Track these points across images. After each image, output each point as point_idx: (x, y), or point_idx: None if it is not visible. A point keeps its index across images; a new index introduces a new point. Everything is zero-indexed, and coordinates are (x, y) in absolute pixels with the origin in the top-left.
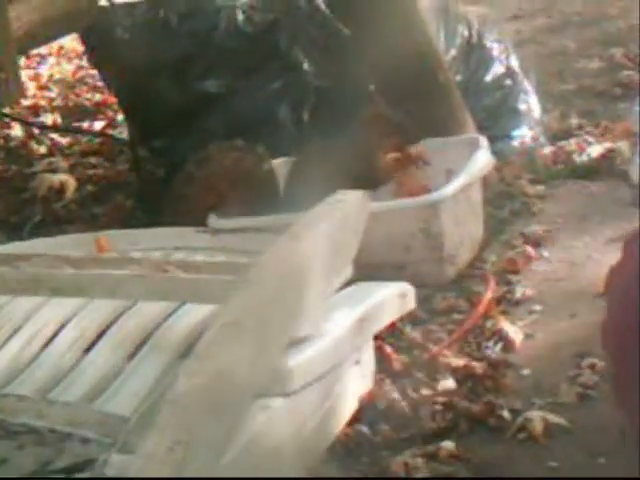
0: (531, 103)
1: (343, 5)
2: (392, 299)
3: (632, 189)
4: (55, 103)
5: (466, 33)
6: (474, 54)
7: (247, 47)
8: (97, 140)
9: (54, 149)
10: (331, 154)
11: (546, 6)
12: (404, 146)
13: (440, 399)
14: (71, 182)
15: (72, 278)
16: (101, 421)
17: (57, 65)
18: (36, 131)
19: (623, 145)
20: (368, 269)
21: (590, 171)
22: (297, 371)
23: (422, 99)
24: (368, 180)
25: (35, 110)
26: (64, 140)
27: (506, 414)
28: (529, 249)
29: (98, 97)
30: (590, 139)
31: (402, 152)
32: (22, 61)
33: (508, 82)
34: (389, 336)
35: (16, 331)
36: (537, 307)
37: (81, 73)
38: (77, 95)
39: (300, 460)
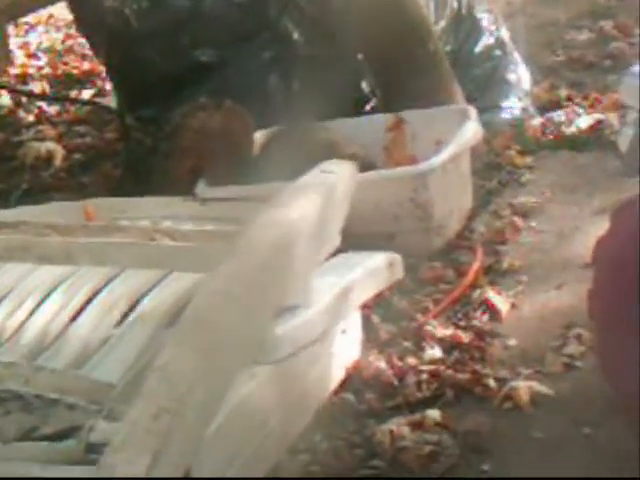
0: (520, 74)
1: None
2: (380, 268)
3: (620, 160)
4: (44, 71)
5: (456, 4)
6: (464, 25)
7: (237, 17)
8: (85, 109)
9: (42, 117)
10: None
11: None
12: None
13: (426, 368)
14: (59, 150)
15: (60, 246)
16: (88, 388)
17: (46, 33)
18: (24, 99)
19: (612, 116)
20: (356, 239)
21: (579, 142)
22: (285, 339)
23: (411, 69)
24: None
25: (23, 78)
26: (52, 108)
27: (492, 383)
28: (517, 220)
29: (87, 66)
30: (579, 110)
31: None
32: (10, 29)
33: (498, 53)
34: (376, 305)
35: (3, 298)
36: (524, 277)
37: (70, 42)
38: (66, 64)
39: (286, 428)
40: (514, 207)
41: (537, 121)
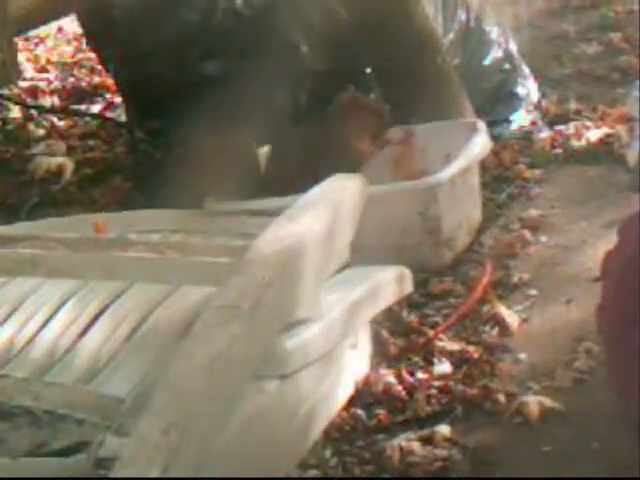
0: (529, 87)
1: None
2: (389, 283)
3: (629, 174)
4: (53, 85)
5: (464, 17)
6: (472, 38)
7: (245, 29)
8: (95, 122)
9: (52, 131)
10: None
11: None
12: (380, 130)
13: (436, 383)
14: (69, 164)
15: (69, 260)
16: (97, 403)
17: (56, 47)
18: (34, 113)
19: (621, 130)
20: (365, 252)
21: (588, 156)
22: (294, 353)
23: (420, 83)
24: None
25: (33, 92)
26: (62, 122)
27: (502, 398)
28: (526, 233)
29: (96, 79)
30: (588, 123)
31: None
32: (20, 43)
33: (506, 66)
34: (386, 320)
35: (13, 312)
36: (534, 291)
37: (80, 55)
38: (75, 77)
39: (295, 443)
40: (523, 221)
41: (546, 134)
